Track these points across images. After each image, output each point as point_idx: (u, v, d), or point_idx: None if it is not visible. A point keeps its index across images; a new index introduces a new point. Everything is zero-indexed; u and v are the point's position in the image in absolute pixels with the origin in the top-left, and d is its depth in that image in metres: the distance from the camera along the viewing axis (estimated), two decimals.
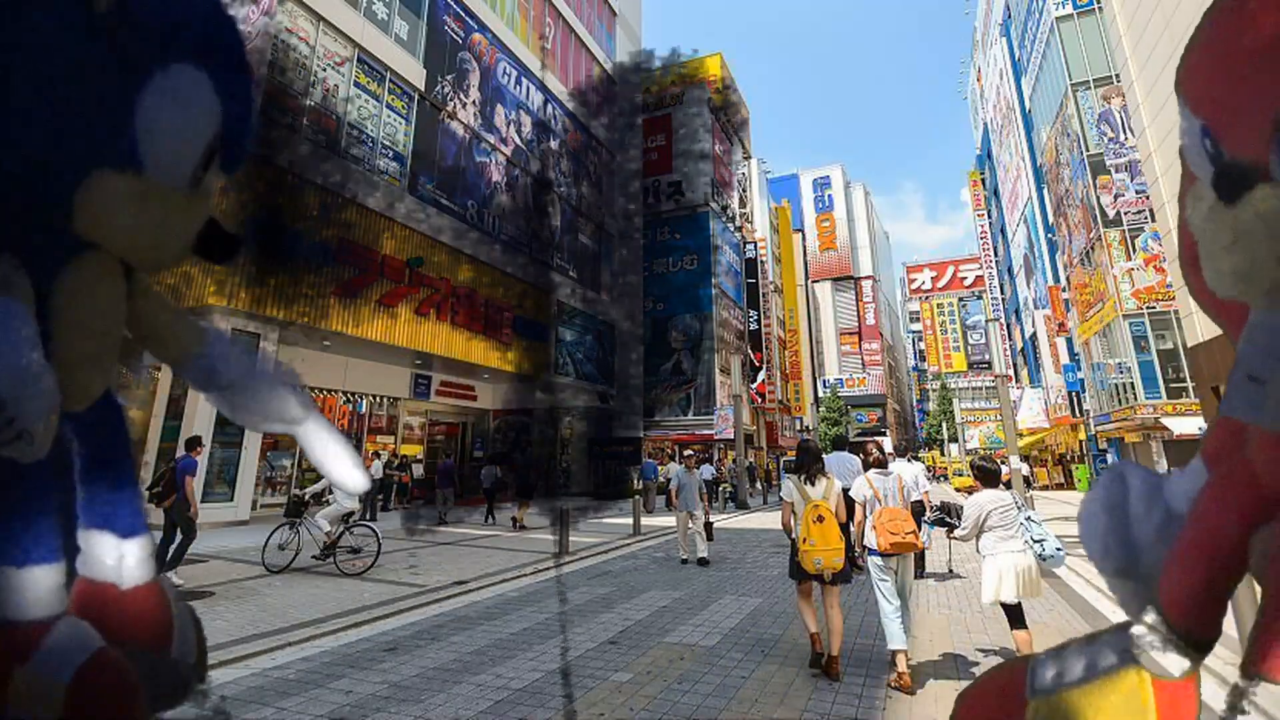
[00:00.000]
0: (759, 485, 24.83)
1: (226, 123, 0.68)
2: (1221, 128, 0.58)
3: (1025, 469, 17.00)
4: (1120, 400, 23.40)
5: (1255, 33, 0.53)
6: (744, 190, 38.27)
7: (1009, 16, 36.37)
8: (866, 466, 4.74)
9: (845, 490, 4.66)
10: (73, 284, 0.63)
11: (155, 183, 0.63)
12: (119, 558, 0.74)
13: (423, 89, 15.62)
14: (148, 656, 0.72)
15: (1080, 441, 29.67)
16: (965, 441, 46.73)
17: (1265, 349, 0.55)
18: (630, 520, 12.32)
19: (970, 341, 70.69)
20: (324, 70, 13.15)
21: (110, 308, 0.67)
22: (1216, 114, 0.58)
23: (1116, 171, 23.34)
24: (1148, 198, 18.99)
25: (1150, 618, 0.66)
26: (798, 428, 43.66)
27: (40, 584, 0.63)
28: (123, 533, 0.74)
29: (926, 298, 76.17)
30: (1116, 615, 0.73)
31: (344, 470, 0.85)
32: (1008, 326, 48.36)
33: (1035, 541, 4.01)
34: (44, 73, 0.57)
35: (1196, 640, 0.62)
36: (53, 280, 0.61)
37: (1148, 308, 22.26)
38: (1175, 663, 0.63)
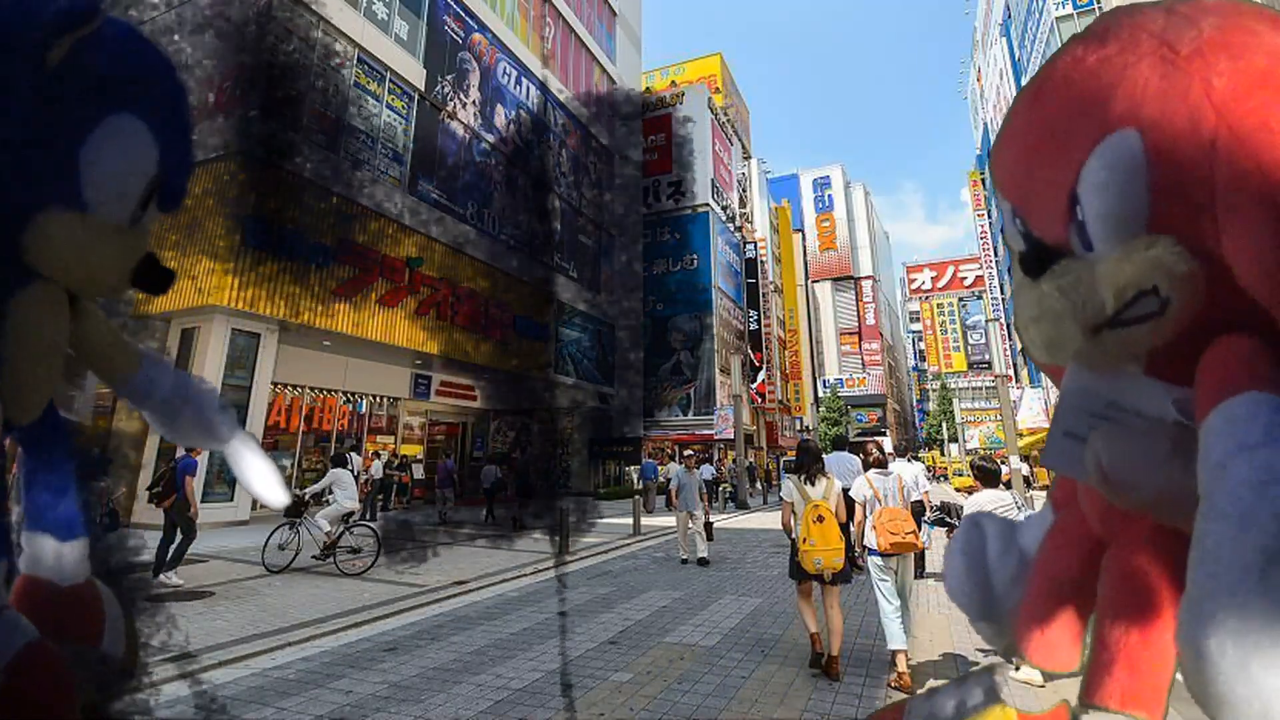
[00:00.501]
0: (759, 485, 24.82)
1: (164, 167, 0.75)
2: (1027, 210, 0.61)
3: (1025, 469, 17.00)
4: None
5: (1045, 120, 0.57)
6: (744, 190, 38.27)
7: (1009, 16, 36.37)
8: (866, 466, 4.74)
9: (845, 490, 4.66)
10: (22, 310, 0.69)
11: (97, 220, 0.70)
12: (58, 558, 0.79)
13: (423, 89, 15.61)
14: (79, 648, 0.79)
15: None
16: (965, 441, 46.68)
17: (1078, 408, 0.58)
18: (630, 520, 12.32)
19: (970, 341, 70.63)
20: (323, 70, 13.15)
21: (55, 331, 0.74)
22: (1023, 197, 0.62)
23: None
24: None
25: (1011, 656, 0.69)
26: (798, 428, 43.65)
27: None
28: (62, 535, 0.80)
29: (926, 298, 76.12)
30: None
31: (267, 488, 0.93)
32: (1008, 326, 48.34)
33: None
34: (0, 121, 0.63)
35: (1055, 674, 0.66)
36: (4, 307, 0.67)
37: None
38: (1034, 696, 0.66)
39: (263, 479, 0.92)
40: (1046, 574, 0.69)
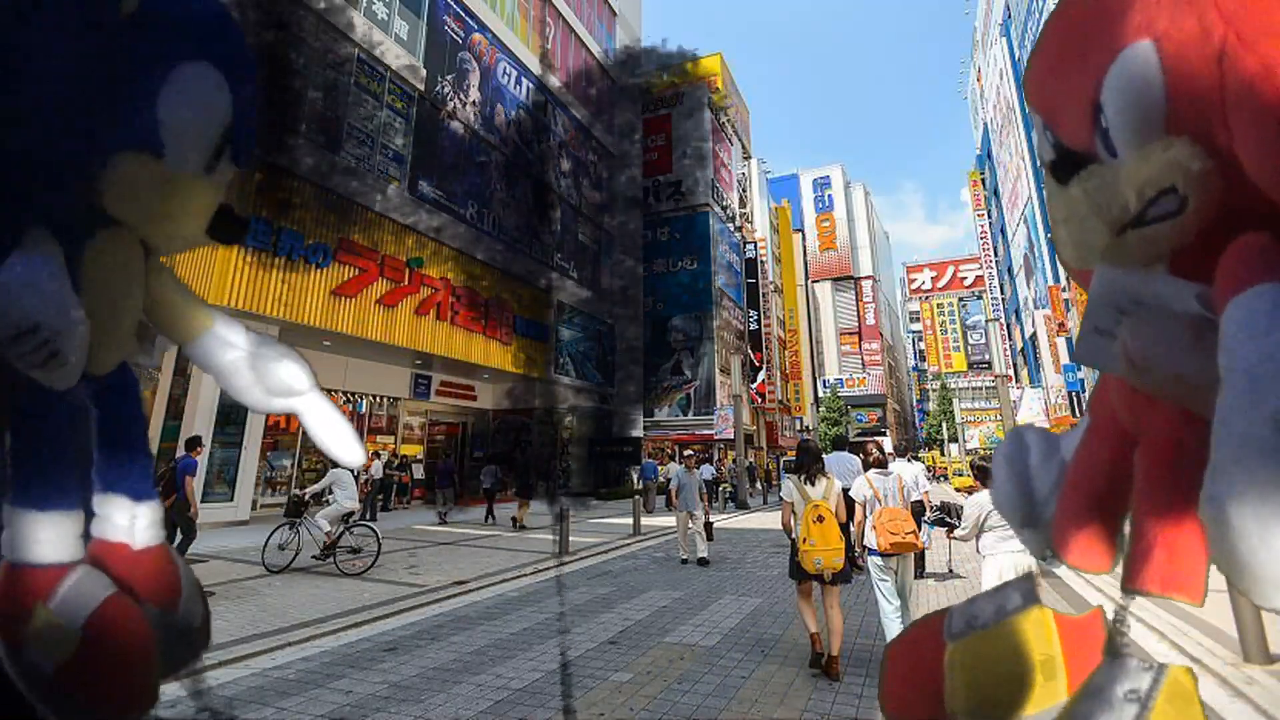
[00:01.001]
0: (759, 485, 24.82)
1: (236, 116, 0.75)
2: (1055, 121, 0.66)
3: None
4: None
5: (1070, 37, 0.62)
6: (744, 190, 38.25)
7: (1009, 16, 36.34)
8: (866, 466, 4.74)
9: (845, 490, 4.66)
10: (97, 255, 0.70)
11: (174, 166, 0.71)
12: (131, 519, 0.78)
13: (423, 89, 15.61)
14: (158, 613, 0.76)
15: None
16: (965, 441, 46.72)
17: (1105, 303, 0.61)
18: (630, 520, 12.32)
19: (970, 341, 70.62)
20: (323, 69, 13.14)
21: (129, 281, 0.74)
22: (1051, 110, 0.67)
23: None
24: None
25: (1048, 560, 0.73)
26: (798, 428, 43.63)
27: (60, 529, 0.68)
28: (135, 496, 0.79)
29: (926, 298, 76.12)
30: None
31: (342, 445, 0.89)
32: (1008, 326, 48.30)
33: None
34: (76, 65, 0.64)
35: (1089, 573, 0.69)
36: (80, 250, 0.68)
37: None
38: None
39: (337, 436, 0.88)
40: (1081, 474, 0.71)
